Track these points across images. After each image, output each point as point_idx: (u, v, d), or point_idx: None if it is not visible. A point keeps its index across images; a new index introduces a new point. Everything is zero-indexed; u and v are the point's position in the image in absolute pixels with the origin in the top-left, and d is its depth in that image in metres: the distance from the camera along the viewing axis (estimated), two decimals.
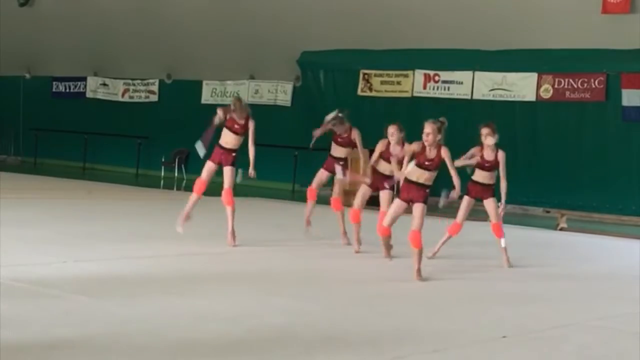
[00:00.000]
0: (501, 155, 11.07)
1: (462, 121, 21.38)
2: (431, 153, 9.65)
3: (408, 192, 9.69)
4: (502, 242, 11.23)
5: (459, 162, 10.64)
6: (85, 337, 6.15)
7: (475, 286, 9.77)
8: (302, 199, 17.15)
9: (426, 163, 9.64)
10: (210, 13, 25.28)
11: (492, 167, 11.14)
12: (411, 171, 9.69)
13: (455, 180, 9.72)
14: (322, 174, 12.33)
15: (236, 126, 11.34)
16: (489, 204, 11.24)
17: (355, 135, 12.02)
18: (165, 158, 25.70)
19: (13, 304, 6.97)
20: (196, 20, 25.65)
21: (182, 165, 25.29)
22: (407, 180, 9.74)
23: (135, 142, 26.76)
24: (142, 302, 7.42)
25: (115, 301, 7.38)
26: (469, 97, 21.86)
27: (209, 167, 11.44)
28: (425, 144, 9.64)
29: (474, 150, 11.16)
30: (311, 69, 24.31)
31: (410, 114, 22.22)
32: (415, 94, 22.43)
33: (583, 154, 20.39)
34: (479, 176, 11.23)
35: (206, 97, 26.25)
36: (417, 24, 22.09)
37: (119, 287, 8.02)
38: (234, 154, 11.38)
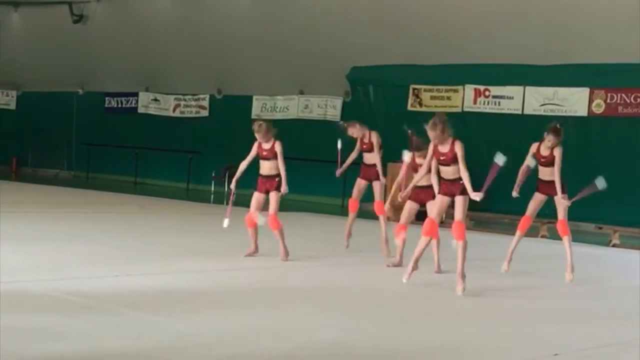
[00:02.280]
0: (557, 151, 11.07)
1: (512, 136, 21.30)
2: (444, 148, 9.75)
3: (445, 188, 9.90)
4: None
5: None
6: (137, 351, 6.19)
7: (526, 303, 9.67)
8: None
9: (441, 158, 9.82)
10: (261, 28, 25.43)
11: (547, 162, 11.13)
12: (441, 170, 9.94)
13: (465, 180, 9.71)
14: (359, 184, 12.49)
15: (264, 152, 11.37)
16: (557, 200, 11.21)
17: (374, 138, 12.24)
18: (216, 173, 25.86)
19: (67, 317, 7.05)
20: (246, 35, 25.80)
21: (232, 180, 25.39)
22: (442, 179, 9.99)
23: (186, 156, 26.97)
24: (193, 316, 7.46)
25: (167, 316, 7.43)
26: (519, 112, 21.70)
27: (257, 197, 11.45)
28: (435, 143, 9.80)
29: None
30: (361, 84, 24.32)
31: (461, 129, 22.10)
32: (465, 109, 22.31)
33: (636, 170, 20.11)
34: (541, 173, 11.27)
35: (256, 112, 26.38)
36: (467, 38, 22.01)
37: (171, 302, 8.07)
38: (276, 179, 11.38)
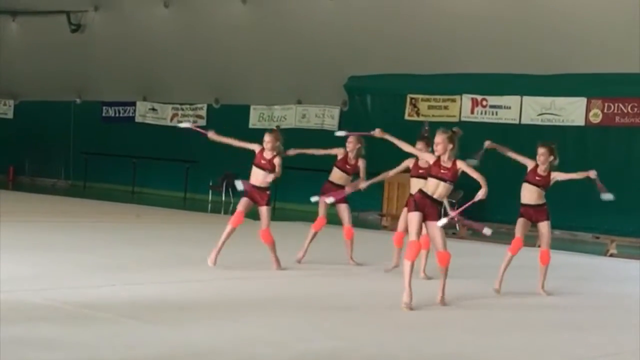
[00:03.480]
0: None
1: (510, 146, 21.31)
2: (447, 163, 9.45)
3: (423, 203, 9.40)
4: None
5: None
6: None
7: (525, 313, 9.66)
8: (359, 224, 17.18)
9: (442, 172, 9.40)
10: (258, 38, 25.46)
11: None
12: (428, 184, 9.50)
13: (480, 180, 9.39)
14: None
15: (263, 161, 11.25)
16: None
17: (362, 164, 12.21)
18: (213, 182, 25.83)
19: (64, 326, 7.04)
20: (244, 45, 25.83)
21: (230, 189, 25.40)
22: (422, 192, 9.47)
23: (183, 166, 26.95)
24: (191, 326, 7.45)
25: (164, 325, 7.42)
26: (517, 121, 21.75)
27: (246, 202, 11.38)
28: (436, 153, 9.48)
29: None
30: (358, 93, 24.35)
31: (458, 139, 22.20)
32: (462, 119, 22.34)
33: (633, 180, 20.12)
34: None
35: (254, 122, 26.39)
36: (464, 48, 22.05)
37: (168, 311, 8.06)
38: (267, 192, 11.30)
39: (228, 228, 11.22)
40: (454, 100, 22.74)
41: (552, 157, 10.79)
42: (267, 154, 11.27)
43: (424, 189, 9.49)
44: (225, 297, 9.18)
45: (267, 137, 11.24)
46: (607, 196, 10.92)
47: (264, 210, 11.27)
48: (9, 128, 31.99)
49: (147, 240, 14.20)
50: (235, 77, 26.51)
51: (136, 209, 20.93)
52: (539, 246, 11.21)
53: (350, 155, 12.19)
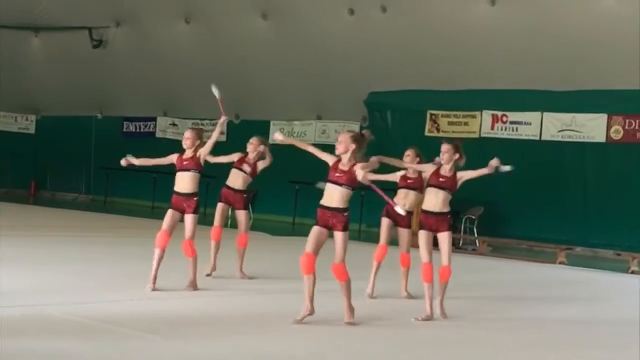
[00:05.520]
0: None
1: (530, 163, 21.27)
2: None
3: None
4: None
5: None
6: None
7: (545, 330, 9.61)
8: (367, 239, 17.16)
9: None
10: (279, 54, 25.52)
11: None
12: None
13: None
14: (222, 208, 12.75)
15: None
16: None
17: (261, 167, 12.26)
18: None
19: (85, 341, 7.06)
20: (264, 61, 25.90)
21: (250, 205, 25.41)
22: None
23: (203, 181, 26.92)
24: (210, 341, 7.46)
25: (184, 340, 7.42)
26: (537, 138, 21.67)
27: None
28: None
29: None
30: (378, 109, 24.36)
31: (478, 155, 22.09)
32: (483, 135, 22.31)
33: None
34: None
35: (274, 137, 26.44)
36: (485, 64, 22.02)
37: (188, 326, 8.07)
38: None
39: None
40: (474, 117, 22.70)
41: (457, 156, 9.62)
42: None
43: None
44: (245, 311, 9.19)
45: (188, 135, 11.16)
46: (505, 168, 10.08)
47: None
48: (31, 143, 32.19)
49: (167, 255, 14.20)
50: (255, 92, 26.57)
51: (157, 224, 20.94)
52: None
53: (251, 156, 12.12)
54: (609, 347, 8.77)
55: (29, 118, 32.79)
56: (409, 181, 10.84)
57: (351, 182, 8.51)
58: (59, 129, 31.15)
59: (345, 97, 24.58)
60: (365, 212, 22.11)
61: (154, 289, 10.00)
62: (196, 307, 9.26)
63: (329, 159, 8.80)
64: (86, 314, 8.18)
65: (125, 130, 30.50)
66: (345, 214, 8.54)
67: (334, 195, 8.56)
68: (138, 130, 30.24)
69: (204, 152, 10.67)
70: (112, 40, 29.62)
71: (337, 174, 8.58)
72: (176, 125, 29.10)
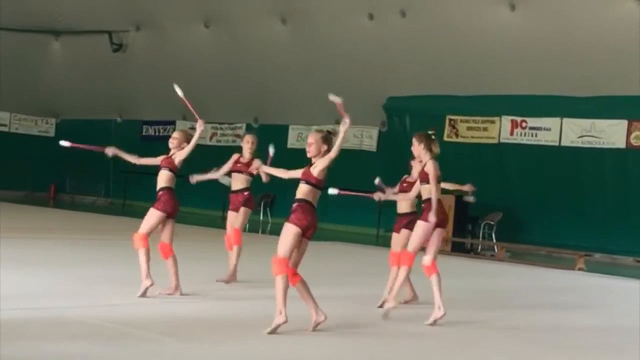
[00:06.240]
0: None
1: (549, 168, 21.21)
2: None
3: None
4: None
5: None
6: None
7: (560, 336, 9.55)
8: (387, 244, 17.11)
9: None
10: (297, 58, 25.56)
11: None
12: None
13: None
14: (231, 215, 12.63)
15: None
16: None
17: (260, 168, 11.98)
18: None
19: (102, 344, 7.07)
20: (283, 65, 25.94)
21: (268, 209, 25.45)
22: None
23: (221, 185, 27.00)
24: (227, 345, 7.45)
25: (201, 343, 7.43)
26: (556, 143, 21.59)
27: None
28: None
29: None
30: (397, 114, 24.35)
31: (497, 161, 22.08)
32: (502, 140, 22.25)
33: None
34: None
35: (292, 142, 26.46)
36: (504, 69, 21.98)
37: (205, 330, 8.07)
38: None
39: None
40: (493, 122, 22.64)
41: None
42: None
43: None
44: (262, 315, 9.16)
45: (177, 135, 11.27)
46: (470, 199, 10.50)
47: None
48: (51, 146, 32.30)
49: (185, 258, 14.22)
50: (274, 96, 26.62)
51: (175, 227, 20.98)
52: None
53: (246, 155, 12.47)
54: (627, 354, 8.71)
55: (48, 121, 32.98)
56: (404, 184, 11.11)
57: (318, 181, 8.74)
58: (78, 132, 31.14)
59: (363, 101, 24.56)
60: (383, 217, 22.11)
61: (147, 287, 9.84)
62: (216, 310, 9.27)
63: (299, 172, 8.92)
64: (101, 316, 8.19)
65: (144, 133, 30.60)
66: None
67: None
68: (157, 134, 30.34)
69: (179, 156, 10.88)
70: (131, 44, 29.76)
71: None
72: (195, 128, 29.11)
